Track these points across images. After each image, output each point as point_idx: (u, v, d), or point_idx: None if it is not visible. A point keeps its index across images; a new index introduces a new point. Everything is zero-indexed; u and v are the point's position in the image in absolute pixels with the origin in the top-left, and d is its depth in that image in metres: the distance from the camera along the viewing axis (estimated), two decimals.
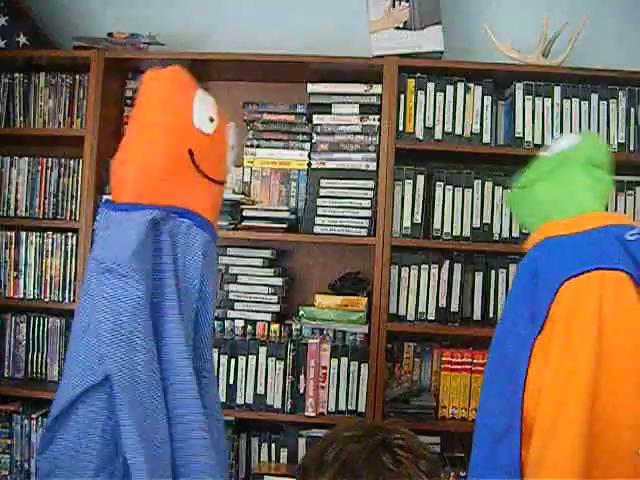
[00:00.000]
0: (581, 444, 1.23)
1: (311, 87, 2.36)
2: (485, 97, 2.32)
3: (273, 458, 2.35)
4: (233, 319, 2.35)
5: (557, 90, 2.30)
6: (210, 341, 1.34)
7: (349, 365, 2.26)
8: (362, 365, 2.26)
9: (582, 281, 1.31)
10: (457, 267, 2.32)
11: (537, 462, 1.27)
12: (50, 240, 2.43)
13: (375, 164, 2.32)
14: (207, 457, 1.21)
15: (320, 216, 2.31)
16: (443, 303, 2.31)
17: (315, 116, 2.36)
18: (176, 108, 1.32)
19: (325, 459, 1.09)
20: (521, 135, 2.29)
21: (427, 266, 2.32)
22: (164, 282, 1.25)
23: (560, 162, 1.48)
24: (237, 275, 2.37)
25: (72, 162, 2.44)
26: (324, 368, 2.26)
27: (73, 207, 2.42)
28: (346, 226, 2.29)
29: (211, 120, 1.33)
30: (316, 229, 2.31)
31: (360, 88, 2.34)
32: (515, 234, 2.30)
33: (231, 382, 2.26)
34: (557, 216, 1.44)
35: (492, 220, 2.31)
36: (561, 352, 1.29)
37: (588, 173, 1.46)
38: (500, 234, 2.30)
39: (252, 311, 2.36)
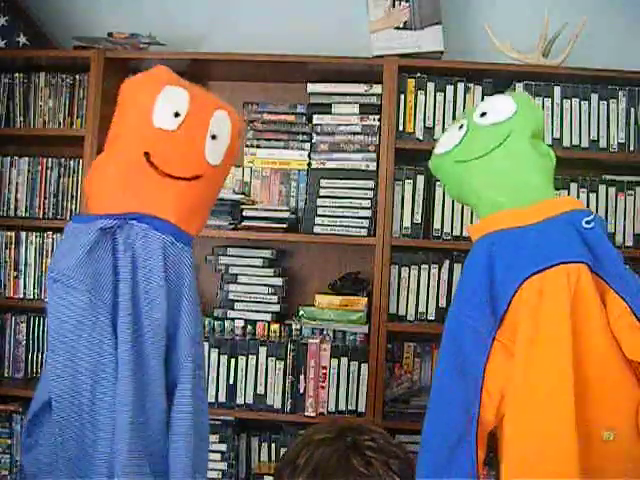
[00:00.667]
0: (575, 438, 1.22)
1: (311, 87, 2.36)
2: (485, 97, 2.32)
3: (273, 458, 2.35)
4: (233, 319, 2.35)
5: (557, 90, 2.30)
6: (191, 348, 1.28)
7: (349, 365, 2.26)
8: (362, 365, 2.26)
9: (547, 276, 1.29)
10: (457, 267, 2.31)
11: (528, 463, 1.24)
12: (50, 240, 2.43)
13: (375, 164, 2.31)
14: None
15: (320, 216, 2.31)
16: (443, 303, 2.31)
17: (315, 116, 2.36)
18: (134, 114, 1.30)
19: (297, 463, 1.09)
20: None
21: (427, 266, 2.32)
22: (120, 290, 1.23)
23: (506, 135, 1.37)
24: (237, 275, 2.37)
25: (72, 162, 2.44)
26: (324, 368, 2.26)
27: (73, 207, 2.42)
28: (346, 226, 2.30)
29: (176, 115, 1.28)
30: (316, 229, 2.31)
31: (360, 88, 2.34)
32: None
33: (231, 382, 2.26)
34: (511, 204, 1.37)
35: None
36: (531, 347, 1.27)
37: (535, 148, 1.39)
38: None
39: (252, 311, 2.35)
